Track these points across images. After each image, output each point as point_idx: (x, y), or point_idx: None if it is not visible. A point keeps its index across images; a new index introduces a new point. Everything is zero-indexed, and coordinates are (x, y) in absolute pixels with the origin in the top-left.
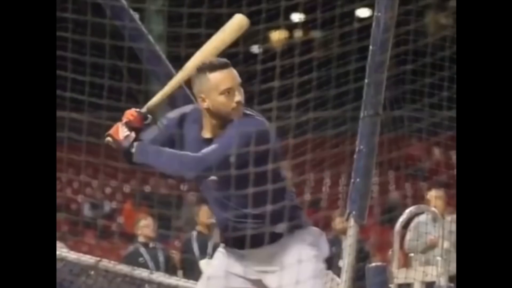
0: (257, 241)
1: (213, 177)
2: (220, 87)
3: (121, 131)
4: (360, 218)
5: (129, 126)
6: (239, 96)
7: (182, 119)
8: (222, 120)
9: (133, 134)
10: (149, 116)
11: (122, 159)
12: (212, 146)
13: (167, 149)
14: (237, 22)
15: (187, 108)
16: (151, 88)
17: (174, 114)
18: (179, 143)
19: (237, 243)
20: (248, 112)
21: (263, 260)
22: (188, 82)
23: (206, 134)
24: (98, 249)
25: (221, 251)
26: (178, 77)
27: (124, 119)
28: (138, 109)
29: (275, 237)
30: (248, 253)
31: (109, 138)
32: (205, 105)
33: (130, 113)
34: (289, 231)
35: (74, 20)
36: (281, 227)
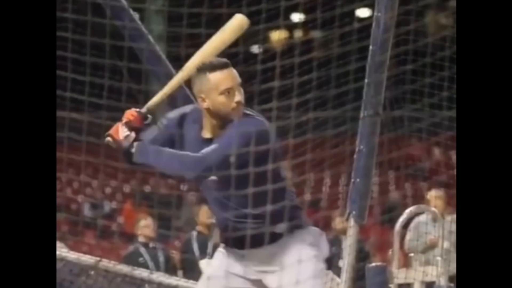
0: (257, 241)
1: (213, 177)
2: (220, 87)
3: (121, 131)
4: (360, 218)
5: (129, 126)
6: (239, 96)
7: (182, 119)
8: (222, 120)
9: (133, 134)
10: (149, 116)
11: (122, 159)
12: (212, 146)
13: (167, 149)
14: (237, 22)
15: (187, 108)
16: (151, 88)
17: (174, 114)
18: (179, 143)
19: (237, 243)
20: (248, 112)
21: (263, 260)
22: (188, 82)
23: (206, 134)
24: (98, 249)
25: (221, 251)
26: (178, 77)
27: (124, 119)
28: (138, 109)
29: (275, 237)
30: (248, 253)
31: (109, 138)
32: (205, 105)
33: (130, 113)
34: (289, 231)
35: (74, 20)
36: (281, 227)
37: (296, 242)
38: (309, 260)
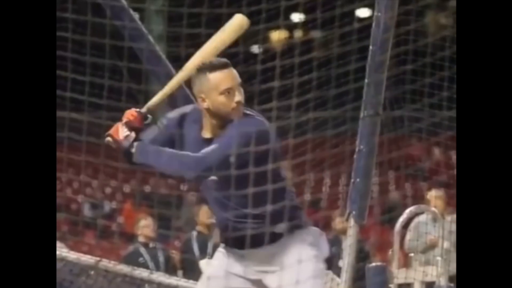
0: (257, 241)
1: (213, 177)
2: (220, 87)
3: (121, 131)
4: (360, 218)
5: (129, 126)
6: (239, 96)
7: (182, 119)
8: (222, 120)
9: (133, 134)
10: (149, 116)
11: (122, 159)
12: (212, 146)
13: (167, 149)
14: (237, 22)
15: (187, 108)
16: (151, 88)
17: (174, 114)
18: (179, 143)
19: (237, 243)
20: (248, 112)
21: (263, 260)
22: (188, 82)
23: (206, 134)
24: (98, 249)
25: (221, 251)
26: (178, 77)
27: (124, 119)
28: (138, 109)
29: (275, 237)
30: (248, 253)
31: (109, 138)
32: (205, 105)
33: (130, 113)
34: (289, 231)
35: (74, 20)
36: (281, 227)
37: (296, 242)
38: (309, 260)
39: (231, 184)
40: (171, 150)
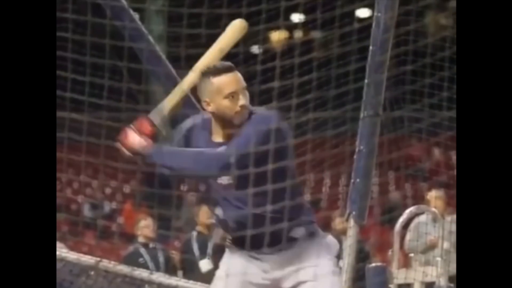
0: (273, 243)
1: (223, 179)
2: (224, 91)
3: (131, 137)
4: (360, 219)
5: (138, 132)
6: (243, 100)
7: (191, 129)
8: (229, 124)
9: (144, 140)
10: (155, 123)
11: (122, 159)
12: (230, 143)
13: (183, 148)
14: (239, 25)
15: (197, 118)
16: (151, 88)
17: (185, 124)
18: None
19: (255, 243)
20: (262, 110)
21: (279, 266)
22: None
23: (217, 138)
24: (98, 249)
25: (229, 252)
26: (183, 84)
27: (134, 126)
28: (147, 116)
29: (291, 242)
30: (263, 257)
31: (121, 146)
32: (209, 109)
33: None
34: (307, 236)
35: (74, 20)
36: (297, 232)
37: (313, 245)
38: (327, 262)
39: (249, 182)
40: (186, 149)
